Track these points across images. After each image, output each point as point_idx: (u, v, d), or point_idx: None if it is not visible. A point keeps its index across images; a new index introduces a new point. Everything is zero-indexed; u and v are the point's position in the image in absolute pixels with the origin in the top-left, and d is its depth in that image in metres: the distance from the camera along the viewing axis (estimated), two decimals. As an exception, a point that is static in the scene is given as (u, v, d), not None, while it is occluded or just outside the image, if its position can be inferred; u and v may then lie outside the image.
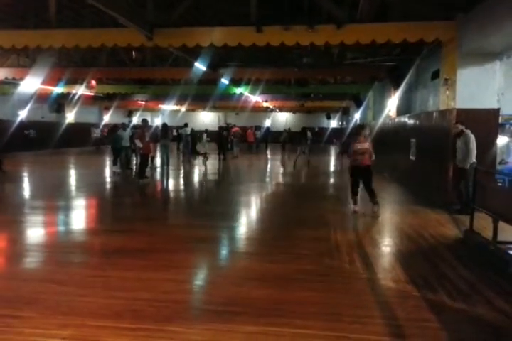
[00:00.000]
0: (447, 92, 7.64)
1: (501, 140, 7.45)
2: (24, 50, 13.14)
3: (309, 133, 17.71)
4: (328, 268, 4.28)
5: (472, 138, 6.62)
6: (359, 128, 7.42)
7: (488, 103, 7.16)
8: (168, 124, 14.79)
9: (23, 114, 21.75)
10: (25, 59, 15.19)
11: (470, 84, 7.21)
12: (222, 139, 18.43)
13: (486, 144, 6.88)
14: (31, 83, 15.52)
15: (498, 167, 7.26)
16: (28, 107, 21.59)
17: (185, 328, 2.98)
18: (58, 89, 18.31)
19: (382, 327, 3.01)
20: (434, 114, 8.34)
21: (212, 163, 16.80)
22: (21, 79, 14.78)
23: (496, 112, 7.12)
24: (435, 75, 8.90)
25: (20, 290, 3.63)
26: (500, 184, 6.61)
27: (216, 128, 35.71)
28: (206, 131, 20.34)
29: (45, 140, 21.68)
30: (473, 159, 6.58)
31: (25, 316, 3.12)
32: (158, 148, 13.54)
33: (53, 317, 3.09)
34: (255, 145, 23.95)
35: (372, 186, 6.95)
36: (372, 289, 3.74)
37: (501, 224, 4.55)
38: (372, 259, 4.57)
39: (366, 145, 6.90)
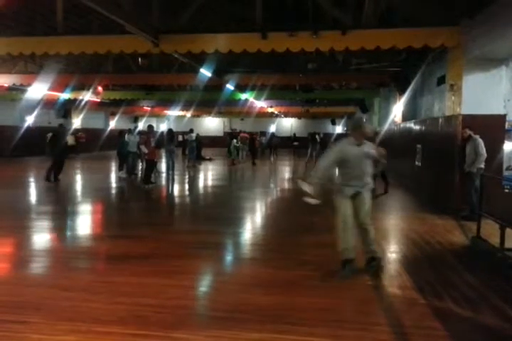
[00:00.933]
0: (453, 98, 7.62)
1: (508, 146, 7.40)
2: (32, 57, 13.31)
3: (318, 138, 18.71)
4: (334, 274, 4.26)
5: (481, 143, 6.60)
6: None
7: (495, 109, 7.14)
8: (174, 130, 14.85)
9: (30, 120, 21.94)
10: (32, 65, 15.35)
11: (476, 90, 7.19)
12: (252, 144, 19.11)
13: (493, 150, 6.84)
14: (38, 89, 15.69)
15: (505, 173, 7.21)
16: (35, 113, 21.78)
17: (190, 335, 2.97)
18: (65, 95, 18.48)
19: (389, 335, 2.98)
20: (440, 120, 8.31)
21: (239, 168, 16.87)
22: (29, 85, 14.93)
23: (502, 118, 7.09)
24: (441, 81, 8.89)
25: (26, 295, 3.65)
26: (507, 190, 6.55)
27: (221, 134, 36.02)
28: (236, 136, 19.79)
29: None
30: (482, 164, 6.55)
31: (31, 322, 3.13)
32: (164, 154, 13.61)
33: (59, 323, 3.10)
34: (260, 150, 24.02)
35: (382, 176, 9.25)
36: (379, 296, 3.71)
37: (509, 231, 4.51)
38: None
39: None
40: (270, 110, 26.60)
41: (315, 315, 3.28)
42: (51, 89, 15.87)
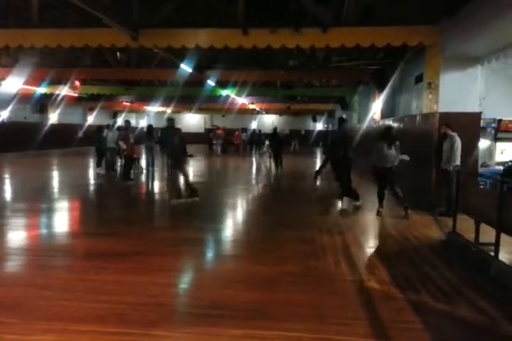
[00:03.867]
0: (430, 96, 7.76)
1: (483, 143, 7.59)
2: (5, 50, 12.92)
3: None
4: (314, 269, 4.30)
5: (458, 140, 6.74)
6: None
7: (470, 107, 7.30)
8: (154, 126, 14.68)
9: (4, 115, 21.34)
10: (6, 58, 14.91)
11: (452, 88, 7.34)
12: (277, 143, 15.02)
13: (469, 147, 7.01)
14: (13, 83, 15.25)
15: (480, 170, 7.39)
16: (10, 108, 21.19)
17: (170, 332, 2.96)
18: (41, 90, 18.03)
19: (368, 329, 3.03)
20: (418, 118, 8.46)
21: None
22: (3, 79, 14.51)
23: (477, 116, 7.26)
24: (418, 79, 9.04)
25: (0, 295, 3.55)
26: (482, 186, 6.72)
27: (202, 130, 35.78)
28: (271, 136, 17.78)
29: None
30: (458, 162, 6.70)
31: (6, 322, 3.05)
32: (144, 150, 13.44)
33: (35, 323, 3.03)
34: (242, 147, 24.10)
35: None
36: (358, 291, 3.76)
37: (483, 226, 4.63)
38: (357, 261, 4.60)
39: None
40: (251, 107, 26.58)
41: (295, 311, 3.30)
42: (27, 83, 15.45)
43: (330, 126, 29.71)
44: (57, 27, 8.86)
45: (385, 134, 6.93)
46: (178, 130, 8.27)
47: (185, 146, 8.01)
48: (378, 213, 7.01)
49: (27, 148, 21.20)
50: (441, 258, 4.73)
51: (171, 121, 8.20)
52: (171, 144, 7.92)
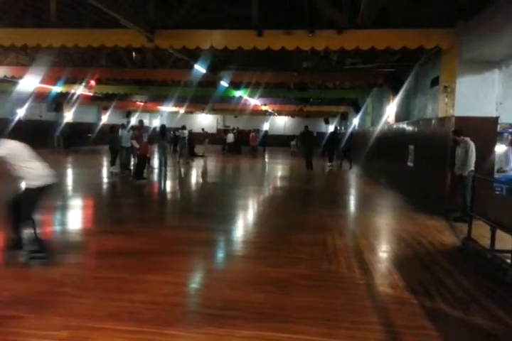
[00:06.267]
0: (446, 100, 7.67)
1: (499, 148, 7.49)
2: (23, 49, 13.13)
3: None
4: (326, 273, 4.28)
5: (472, 146, 6.65)
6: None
7: (487, 111, 7.20)
8: (167, 126, 14.78)
9: (21, 113, 21.66)
10: (24, 57, 15.15)
11: (469, 93, 7.25)
12: (309, 143, 15.60)
13: (485, 152, 6.91)
14: (30, 82, 15.48)
15: (496, 175, 7.28)
16: (26, 106, 21.51)
17: (182, 332, 2.97)
18: (57, 89, 18.27)
19: (380, 334, 3.01)
20: (433, 121, 8.37)
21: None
22: (20, 77, 14.74)
23: (494, 121, 7.15)
24: (434, 82, 8.94)
25: (17, 290, 3.61)
26: (498, 192, 6.62)
27: (214, 131, 35.86)
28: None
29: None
30: (472, 167, 6.61)
31: (22, 316, 3.10)
32: (156, 150, 13.55)
33: (50, 318, 3.07)
34: (256, 148, 24.16)
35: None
36: (370, 295, 3.74)
37: (499, 233, 4.57)
38: (370, 265, 4.57)
39: None
40: (264, 108, 26.56)
41: (307, 313, 3.29)
42: (43, 82, 15.68)
43: (343, 128, 29.54)
44: (75, 27, 8.99)
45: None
46: (311, 133, 14.56)
47: (315, 143, 14.53)
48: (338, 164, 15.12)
49: (42, 145, 21.49)
50: (456, 264, 4.67)
51: (306, 127, 15.26)
52: (305, 142, 14.03)
